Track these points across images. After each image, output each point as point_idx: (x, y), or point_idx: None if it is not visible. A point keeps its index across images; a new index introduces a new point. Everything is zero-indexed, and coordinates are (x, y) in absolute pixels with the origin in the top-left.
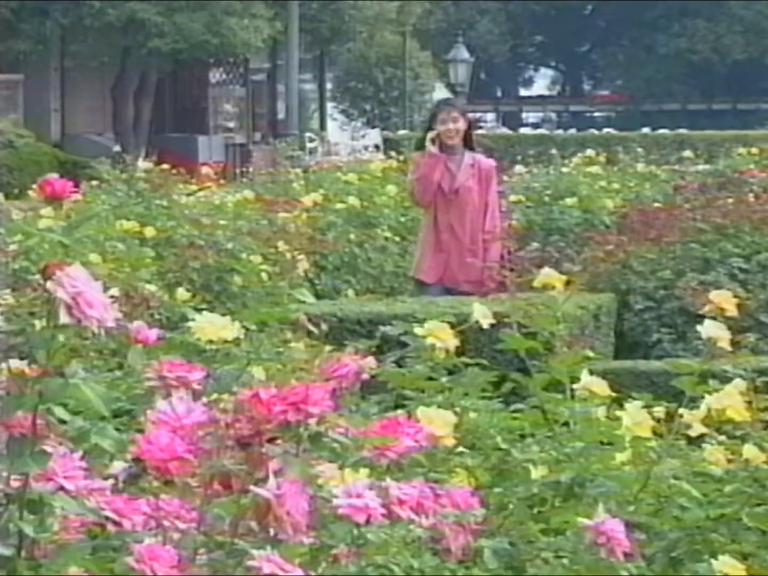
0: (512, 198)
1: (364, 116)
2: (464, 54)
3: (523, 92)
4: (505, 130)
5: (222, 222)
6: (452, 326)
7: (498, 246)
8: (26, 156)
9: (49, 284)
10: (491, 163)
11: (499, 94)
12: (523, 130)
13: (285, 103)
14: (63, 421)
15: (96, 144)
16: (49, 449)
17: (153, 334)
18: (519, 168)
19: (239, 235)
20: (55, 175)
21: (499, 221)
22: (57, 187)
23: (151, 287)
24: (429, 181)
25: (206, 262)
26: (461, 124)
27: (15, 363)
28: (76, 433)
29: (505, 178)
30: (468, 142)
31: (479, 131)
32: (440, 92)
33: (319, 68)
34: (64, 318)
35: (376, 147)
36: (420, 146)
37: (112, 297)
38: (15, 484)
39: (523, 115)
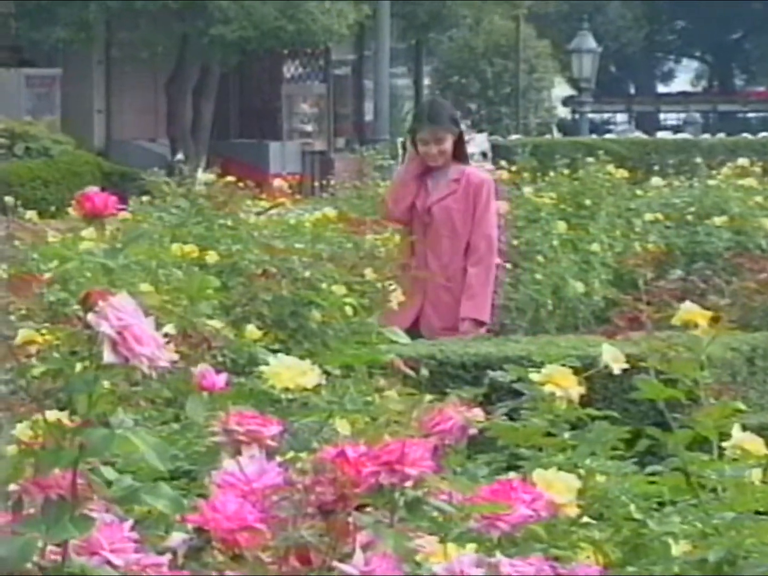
0: (648, 216)
1: (468, 118)
2: (590, 43)
3: (661, 89)
4: (639, 135)
5: (298, 245)
6: (576, 371)
7: (486, 270)
8: (64, 166)
9: (90, 317)
10: (484, 176)
11: (632, 90)
12: (660, 135)
13: (373, 102)
14: (109, 482)
15: (147, 152)
16: (92, 514)
17: (219, 379)
18: (656, 180)
19: (319, 261)
20: (95, 189)
21: (491, 241)
22: (98, 203)
23: (214, 323)
24: (397, 195)
25: (279, 293)
26: (448, 144)
27: (54, 413)
28: (124, 494)
29: (639, 192)
30: (458, 155)
31: (608, 135)
32: (561, 89)
33: (414, 60)
34: (108, 356)
35: (483, 155)
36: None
37: (166, 335)
38: (52, 556)
39: (661, 116)
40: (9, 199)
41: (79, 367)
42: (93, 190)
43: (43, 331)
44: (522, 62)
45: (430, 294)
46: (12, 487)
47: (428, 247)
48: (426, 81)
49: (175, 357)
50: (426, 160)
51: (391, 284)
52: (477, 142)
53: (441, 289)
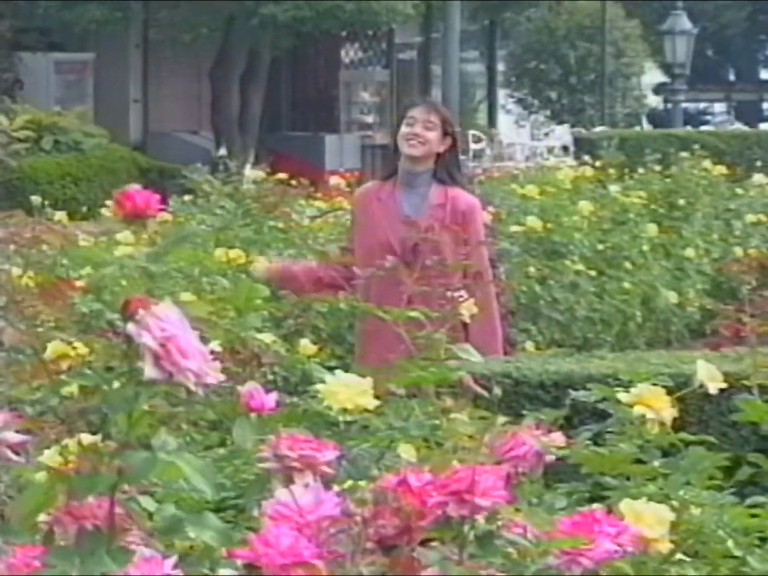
0: (750, 218)
1: (547, 108)
2: (685, 23)
3: (764, 75)
4: (739, 126)
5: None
6: (668, 391)
7: (490, 322)
8: (97, 162)
9: (130, 327)
10: (472, 200)
11: (731, 77)
12: (763, 126)
13: (441, 90)
14: (149, 512)
15: (189, 145)
16: (130, 547)
17: (269, 399)
18: (758, 177)
19: (381, 268)
20: (136, 186)
21: (486, 274)
22: (139, 202)
23: (264, 337)
24: (365, 229)
25: (336, 304)
26: (434, 135)
27: (86, 436)
28: (166, 525)
29: (739, 191)
30: (443, 169)
31: (704, 127)
32: (652, 75)
33: (487, 43)
34: (150, 371)
35: (565, 149)
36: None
37: (212, 351)
38: None
39: (765, 105)
40: (36, 199)
41: (116, 384)
42: (134, 187)
43: (76, 344)
44: (608, 45)
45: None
46: (42, 517)
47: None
48: (500, 66)
49: (222, 376)
50: (402, 145)
51: (461, 294)
52: (558, 135)
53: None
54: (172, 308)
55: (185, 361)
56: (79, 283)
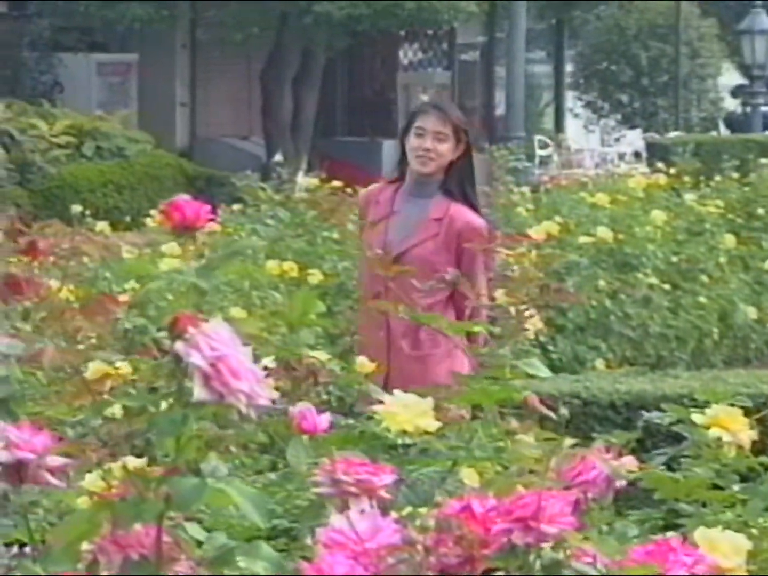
0: None
1: (618, 111)
2: (764, 22)
3: None
4: None
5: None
6: (747, 412)
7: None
8: (141, 169)
9: (178, 345)
10: (476, 221)
11: None
12: None
13: (506, 92)
14: (197, 541)
15: (238, 151)
16: None
17: (322, 420)
18: None
19: (441, 282)
20: (185, 196)
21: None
22: (188, 214)
23: (318, 355)
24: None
25: (395, 319)
26: (447, 147)
27: (130, 460)
28: (215, 553)
29: None
30: (453, 181)
31: None
32: (729, 76)
33: (555, 43)
34: (200, 392)
35: (637, 155)
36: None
37: (266, 369)
38: None
39: None
40: (76, 208)
41: (164, 405)
42: (182, 197)
43: (118, 363)
44: (683, 45)
45: (395, 367)
46: (86, 545)
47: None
48: (568, 67)
49: (276, 394)
50: (412, 161)
51: (527, 308)
52: (629, 140)
53: (409, 361)
54: (223, 326)
55: (236, 381)
56: (122, 298)
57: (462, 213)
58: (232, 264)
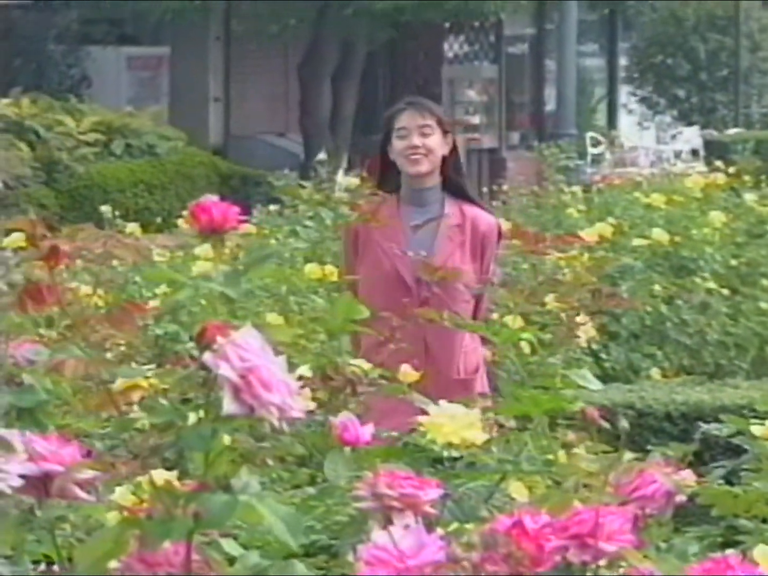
0: None
1: (675, 107)
2: None
3: None
4: None
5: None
6: None
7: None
8: (173, 167)
9: (206, 356)
10: (492, 221)
11: None
12: None
13: (556, 87)
14: (231, 558)
15: (275, 149)
16: None
17: (365, 432)
18: None
19: (488, 286)
20: (213, 197)
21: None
22: (216, 216)
23: (360, 363)
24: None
25: (440, 325)
26: (436, 140)
27: (160, 473)
28: (249, 573)
29: None
30: (451, 180)
31: None
32: None
33: (608, 35)
34: (229, 406)
35: (694, 153)
36: (380, 180)
37: (300, 378)
38: None
39: None
40: (105, 209)
41: (192, 417)
42: (210, 198)
43: (149, 372)
44: (743, 37)
45: (439, 393)
46: (113, 563)
47: (429, 334)
48: (622, 61)
49: (312, 405)
50: (403, 165)
51: (578, 315)
52: (686, 137)
53: (456, 386)
54: (254, 335)
55: (268, 394)
56: (153, 304)
57: (480, 215)
58: (263, 268)
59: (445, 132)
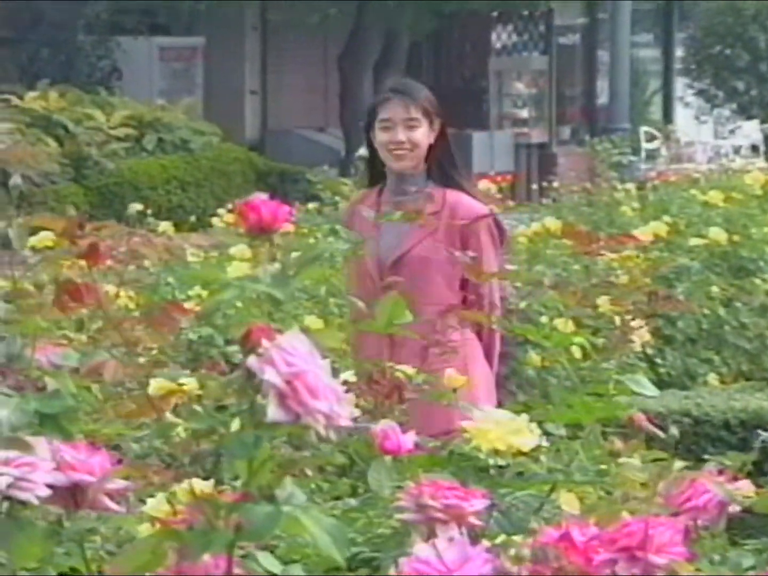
0: None
1: (734, 100)
2: None
3: None
4: None
5: (510, 267)
6: None
7: (489, 359)
8: (207, 164)
9: (251, 361)
10: (478, 207)
11: None
12: None
13: (609, 79)
14: (271, 572)
15: (314, 144)
16: None
17: (408, 440)
18: None
19: (537, 288)
20: (262, 195)
21: (493, 306)
22: (265, 215)
23: (404, 368)
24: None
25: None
26: (421, 133)
27: (196, 482)
28: None
29: None
30: (437, 166)
31: None
32: None
33: (663, 25)
34: (274, 413)
35: (754, 149)
36: (367, 178)
37: (345, 383)
38: None
39: None
40: (136, 207)
41: (234, 424)
42: (259, 196)
43: (183, 378)
44: None
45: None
46: None
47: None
48: (678, 52)
49: (357, 412)
50: (387, 158)
51: (633, 319)
52: (745, 132)
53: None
54: (300, 338)
55: (314, 400)
56: (187, 306)
57: (463, 200)
58: (313, 270)
59: (431, 121)
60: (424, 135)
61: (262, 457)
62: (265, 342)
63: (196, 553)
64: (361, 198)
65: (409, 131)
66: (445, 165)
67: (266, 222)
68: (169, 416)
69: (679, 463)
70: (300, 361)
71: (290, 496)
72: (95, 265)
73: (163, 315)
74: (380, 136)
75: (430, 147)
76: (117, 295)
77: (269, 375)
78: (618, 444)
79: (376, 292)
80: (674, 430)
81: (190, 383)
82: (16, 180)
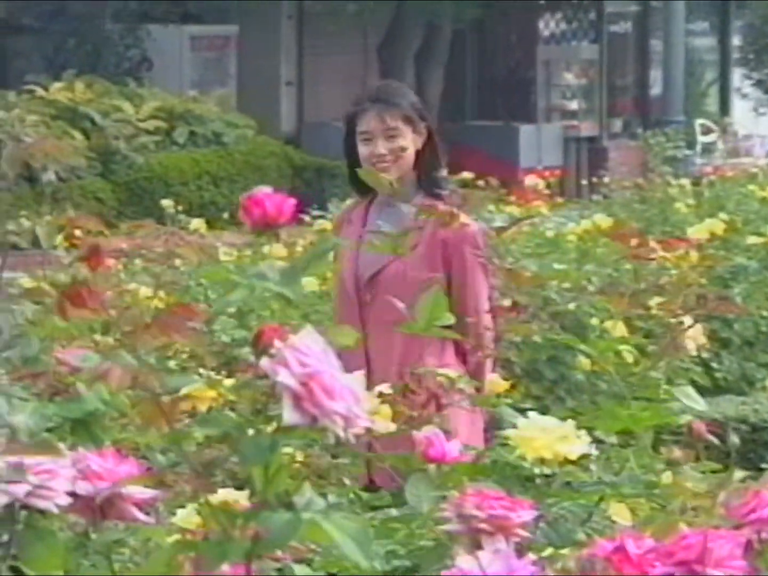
0: None
1: None
2: None
3: None
4: None
5: (558, 267)
6: None
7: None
8: (241, 158)
9: (264, 362)
10: (463, 227)
11: None
12: None
13: (663, 69)
14: None
15: None
16: None
17: (451, 447)
18: None
19: (586, 290)
20: (266, 189)
21: (479, 326)
22: (270, 209)
23: (445, 372)
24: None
25: (531, 332)
26: (406, 141)
27: (228, 492)
28: None
29: None
30: (427, 176)
31: None
32: None
33: (719, 13)
34: (289, 415)
35: None
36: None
37: (380, 395)
38: None
39: None
40: (167, 203)
41: (250, 428)
42: (262, 190)
43: (215, 382)
44: None
45: None
46: None
47: (370, 344)
48: (735, 41)
49: (392, 426)
50: (368, 167)
51: (686, 321)
52: None
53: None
54: (315, 338)
55: (331, 402)
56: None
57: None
58: (321, 264)
59: (415, 127)
60: (407, 142)
61: (279, 462)
62: (277, 342)
63: (213, 563)
64: (351, 208)
65: (389, 142)
66: (432, 174)
67: (271, 216)
68: (186, 425)
69: (739, 473)
70: (314, 361)
71: (310, 503)
72: (97, 267)
73: (174, 318)
74: (361, 149)
75: (418, 153)
76: (152, 297)
77: (282, 376)
78: (676, 452)
79: (352, 307)
80: (735, 438)
81: (220, 387)
82: (49, 176)
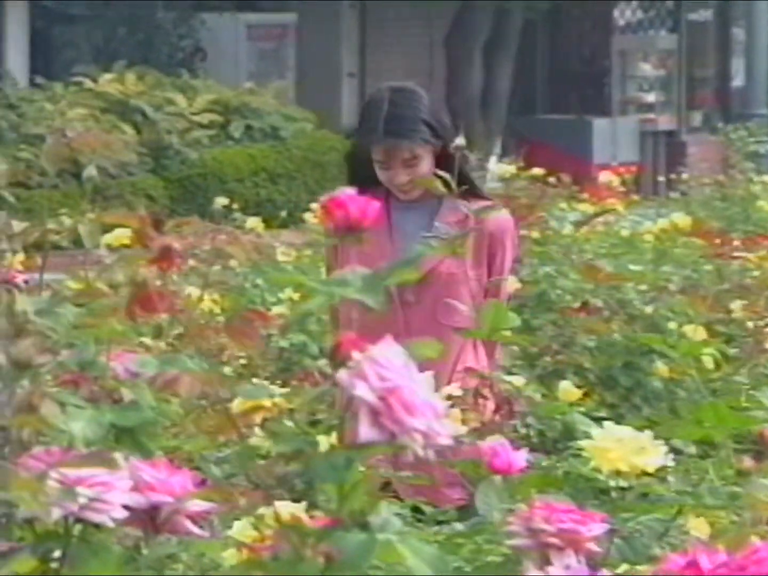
0: None
1: None
2: None
3: None
4: None
5: (635, 268)
6: None
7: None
8: (300, 153)
9: (341, 375)
10: (503, 219)
11: None
12: None
13: (745, 60)
14: None
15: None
16: None
17: (518, 458)
18: None
19: (664, 292)
20: (349, 190)
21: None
22: (354, 211)
23: (515, 380)
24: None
25: (608, 337)
26: (424, 164)
27: (286, 505)
28: None
29: None
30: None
31: None
32: None
33: None
34: (366, 432)
35: None
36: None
37: (450, 398)
38: None
39: None
40: (221, 200)
41: (323, 441)
42: (346, 191)
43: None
44: None
45: None
46: None
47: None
48: None
49: (462, 429)
50: (393, 191)
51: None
52: None
53: None
54: (396, 350)
55: (411, 418)
56: (277, 310)
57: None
58: (409, 271)
59: (431, 145)
60: (427, 163)
61: (354, 480)
62: (356, 354)
63: None
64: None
65: (410, 169)
66: (457, 170)
67: (354, 219)
68: (256, 432)
69: None
70: (395, 375)
71: (386, 523)
72: (169, 269)
73: (244, 323)
74: (379, 173)
75: (438, 159)
76: (200, 299)
77: (360, 390)
78: (747, 462)
79: (392, 309)
80: None
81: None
82: (90, 171)
